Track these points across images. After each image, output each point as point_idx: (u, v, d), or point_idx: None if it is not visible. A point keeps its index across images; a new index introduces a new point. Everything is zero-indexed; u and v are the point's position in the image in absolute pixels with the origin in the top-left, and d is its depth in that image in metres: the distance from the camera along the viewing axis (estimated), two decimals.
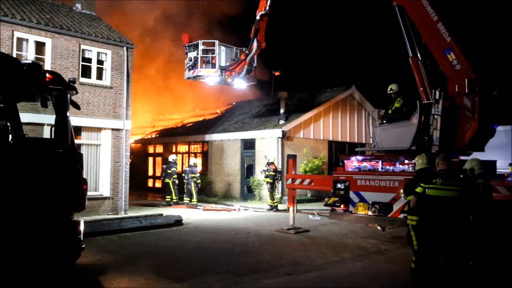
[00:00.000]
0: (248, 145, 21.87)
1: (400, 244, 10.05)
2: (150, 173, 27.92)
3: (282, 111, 21.28)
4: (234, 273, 7.53)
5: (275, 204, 17.47)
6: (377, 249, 9.66)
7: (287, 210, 14.13)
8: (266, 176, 17.82)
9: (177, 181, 19.00)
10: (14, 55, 13.12)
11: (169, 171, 19.05)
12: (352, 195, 10.48)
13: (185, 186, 18.84)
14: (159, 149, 27.44)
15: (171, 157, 20.07)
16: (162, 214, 13.83)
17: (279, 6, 17.49)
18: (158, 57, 36.82)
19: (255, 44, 17.00)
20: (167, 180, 19.05)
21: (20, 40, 13.92)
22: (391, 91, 11.04)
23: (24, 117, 8.92)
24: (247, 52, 17.23)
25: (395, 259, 8.74)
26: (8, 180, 5.72)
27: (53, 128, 6.22)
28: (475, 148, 10.00)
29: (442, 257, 6.85)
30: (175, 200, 18.85)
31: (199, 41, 17.34)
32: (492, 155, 10.85)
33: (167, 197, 19.05)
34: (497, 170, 10.55)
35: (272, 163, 18.14)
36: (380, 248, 9.67)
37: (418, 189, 6.62)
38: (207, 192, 22.54)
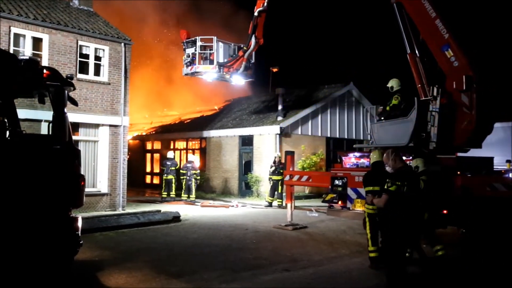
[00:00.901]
0: (246, 142, 21.84)
1: None
2: (148, 169, 27.89)
3: (280, 107, 21.23)
4: (232, 269, 7.55)
5: (280, 201, 17.36)
6: None
7: (284, 207, 14.15)
8: (280, 174, 17.00)
9: (182, 177, 19.01)
10: (11, 51, 13.07)
11: (172, 168, 19.05)
12: (349, 191, 10.52)
13: (184, 182, 18.83)
14: (157, 145, 27.38)
15: (171, 154, 20.09)
16: (160, 211, 13.84)
17: (277, 2, 17.46)
18: (156, 53, 36.71)
19: (253, 40, 16.98)
20: (170, 177, 18.97)
21: (17, 36, 13.85)
22: (390, 87, 11.00)
23: (22, 113, 8.86)
24: (245, 48, 17.21)
25: None
26: (5, 177, 5.70)
27: (50, 125, 6.21)
28: (473, 144, 10.03)
29: (411, 247, 7.15)
30: (172, 196, 18.86)
31: (197, 37, 17.32)
32: (490, 151, 10.90)
33: (164, 193, 19.00)
34: (495, 167, 10.60)
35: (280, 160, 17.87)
36: None
37: (393, 188, 6.42)
38: (205, 189, 22.53)
